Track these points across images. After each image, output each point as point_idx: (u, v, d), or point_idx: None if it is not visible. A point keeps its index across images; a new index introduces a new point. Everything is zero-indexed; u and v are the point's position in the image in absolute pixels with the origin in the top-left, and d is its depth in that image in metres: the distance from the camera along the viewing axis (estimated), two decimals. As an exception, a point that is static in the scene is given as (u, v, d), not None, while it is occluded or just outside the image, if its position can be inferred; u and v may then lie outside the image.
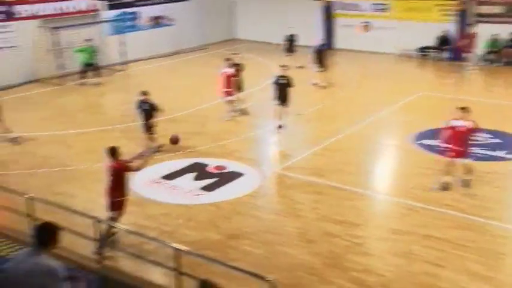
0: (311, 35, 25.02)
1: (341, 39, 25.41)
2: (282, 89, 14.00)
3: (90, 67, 19.28)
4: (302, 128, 15.00)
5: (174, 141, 12.70)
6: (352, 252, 8.61)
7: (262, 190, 11.09)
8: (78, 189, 10.88)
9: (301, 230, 9.34)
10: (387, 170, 12.51)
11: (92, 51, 19.17)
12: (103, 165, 11.64)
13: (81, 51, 19.00)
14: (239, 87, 15.62)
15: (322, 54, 18.84)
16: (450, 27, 22.29)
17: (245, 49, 25.87)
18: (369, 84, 19.24)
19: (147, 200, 10.47)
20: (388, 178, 12.03)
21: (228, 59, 15.43)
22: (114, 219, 8.45)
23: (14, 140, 13.34)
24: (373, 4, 24.35)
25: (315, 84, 18.47)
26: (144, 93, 12.54)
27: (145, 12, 24.06)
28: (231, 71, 15.13)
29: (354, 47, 24.70)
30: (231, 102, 15.34)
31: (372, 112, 15.69)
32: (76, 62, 19.62)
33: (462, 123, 10.27)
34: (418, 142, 13.29)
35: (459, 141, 10.36)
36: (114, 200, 8.47)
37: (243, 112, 15.66)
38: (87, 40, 19.19)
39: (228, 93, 15.13)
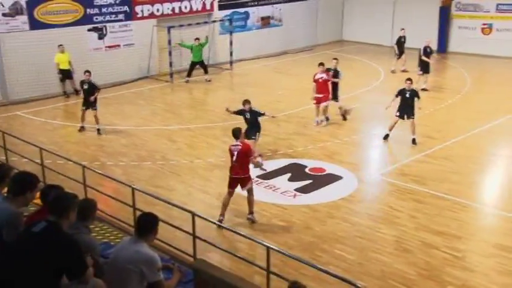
0: (422, 37, 24.19)
1: (458, 42, 24.07)
2: (407, 101, 13.37)
3: (199, 64, 19.97)
4: (406, 133, 14.41)
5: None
6: (451, 265, 8.14)
7: (360, 195, 10.83)
8: (178, 183, 11.32)
9: (397, 238, 8.99)
10: (496, 181, 11.68)
11: (199, 49, 19.83)
12: (203, 161, 12.12)
13: (190, 48, 19.75)
14: (332, 94, 14.85)
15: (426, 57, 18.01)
16: None
17: (352, 51, 25.46)
18: (484, 90, 18.08)
19: (243, 197, 10.61)
20: (497, 190, 11.22)
21: (321, 64, 14.88)
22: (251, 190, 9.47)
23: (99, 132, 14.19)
24: (498, 4, 22.73)
25: (423, 90, 17.68)
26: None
27: (255, 12, 24.49)
28: (324, 76, 14.57)
29: (472, 51, 23.29)
30: (323, 108, 14.72)
31: (486, 120, 14.72)
32: (186, 60, 20.48)
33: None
34: (536, 154, 12.25)
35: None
36: (245, 177, 9.41)
37: (327, 119, 14.85)
38: (196, 39, 19.91)
39: (320, 100, 14.55)
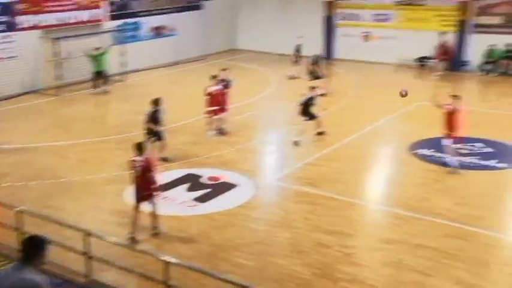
0: (313, 45, 25.28)
1: (341, 49, 25.45)
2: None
3: (100, 75, 19.52)
4: (298, 138, 14.99)
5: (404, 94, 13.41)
6: (342, 262, 8.61)
7: (256, 201, 11.09)
8: (69, 201, 10.90)
9: (292, 241, 9.34)
10: (381, 179, 12.51)
11: (101, 58, 19.44)
12: (95, 176, 11.78)
13: (92, 58, 19.27)
14: (224, 105, 14.83)
15: (317, 65, 18.94)
16: (450, 37, 22.31)
17: (245, 59, 26.02)
18: (367, 94, 19.26)
19: (139, 211, 10.48)
20: (382, 188, 12.02)
21: (214, 76, 14.87)
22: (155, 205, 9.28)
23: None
24: (375, 14, 24.36)
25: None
26: None
27: (148, 22, 24.23)
28: (218, 88, 14.63)
29: (355, 57, 24.74)
30: (217, 120, 14.80)
31: (369, 122, 15.70)
32: (74, 72, 19.83)
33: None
34: (414, 152, 13.29)
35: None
36: (145, 194, 9.15)
37: (222, 132, 14.87)
38: (96, 48, 19.53)
39: (214, 112, 14.58)
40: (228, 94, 15.04)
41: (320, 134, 14.55)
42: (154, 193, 9.30)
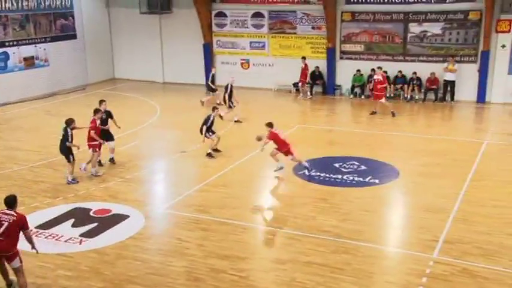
0: (194, 73, 25.61)
1: (222, 76, 25.99)
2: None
3: None
4: (186, 165, 15.07)
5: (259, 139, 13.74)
6: (238, 286, 8.76)
7: (148, 231, 10.92)
8: None
9: (188, 269, 9.32)
10: (269, 201, 12.94)
11: None
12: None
13: None
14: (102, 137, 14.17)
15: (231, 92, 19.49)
16: (321, 63, 23.83)
17: (126, 88, 25.62)
18: (250, 119, 19.85)
19: (20, 252, 9.84)
20: (271, 209, 12.42)
21: (97, 110, 14.00)
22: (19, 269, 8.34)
23: None
24: (251, 42, 25.31)
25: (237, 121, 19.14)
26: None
27: (16, 52, 22.94)
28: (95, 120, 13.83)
29: (235, 84, 25.33)
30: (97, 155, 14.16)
31: (253, 146, 16.15)
32: None
33: None
34: (298, 173, 13.93)
35: None
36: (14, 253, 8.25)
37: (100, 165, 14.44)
38: None
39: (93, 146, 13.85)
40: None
41: (215, 151, 15.36)
42: (18, 254, 8.29)
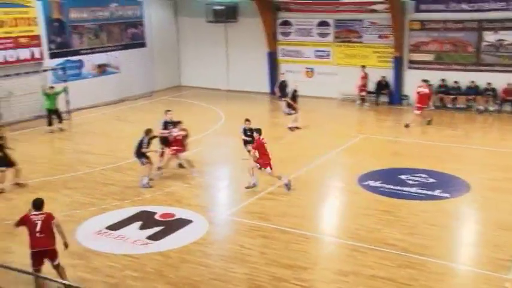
0: (258, 82, 25.77)
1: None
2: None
3: (53, 113, 19.21)
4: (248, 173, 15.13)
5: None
6: (300, 296, 8.68)
7: (211, 237, 11.04)
8: (15, 244, 10.43)
9: (249, 276, 9.32)
10: (333, 211, 12.76)
11: (54, 97, 19.23)
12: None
13: (46, 96, 19.08)
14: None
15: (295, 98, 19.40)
16: (387, 73, 23.37)
17: (191, 96, 26.15)
18: (313, 128, 19.74)
19: (91, 251, 10.22)
20: (334, 220, 12.27)
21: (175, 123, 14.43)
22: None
23: None
24: (316, 51, 25.22)
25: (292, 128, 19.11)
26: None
27: (90, 60, 23.97)
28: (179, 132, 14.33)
29: (299, 92, 25.30)
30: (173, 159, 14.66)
31: (317, 155, 16.06)
32: (14, 111, 19.49)
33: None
34: (362, 183, 13.67)
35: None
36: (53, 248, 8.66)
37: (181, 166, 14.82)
38: (50, 87, 19.55)
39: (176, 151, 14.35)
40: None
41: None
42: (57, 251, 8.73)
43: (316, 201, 13.03)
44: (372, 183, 13.59)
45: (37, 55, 21.45)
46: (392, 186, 13.37)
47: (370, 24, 23.65)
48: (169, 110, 15.16)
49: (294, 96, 19.48)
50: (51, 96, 19.22)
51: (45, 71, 21.22)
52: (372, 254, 9.99)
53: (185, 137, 14.48)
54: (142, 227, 11.29)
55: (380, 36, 23.54)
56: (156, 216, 11.83)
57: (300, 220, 11.62)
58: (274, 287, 8.95)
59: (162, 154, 14.56)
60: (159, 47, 27.32)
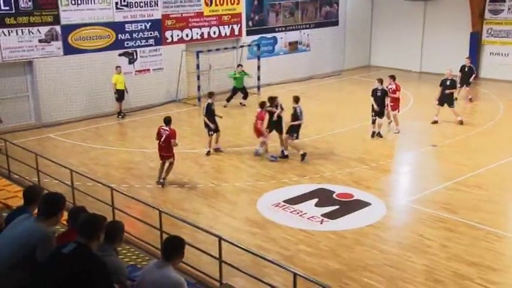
0: (456, 64, 23.88)
1: (489, 68, 23.74)
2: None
3: (240, 91, 20.23)
4: (435, 160, 14.19)
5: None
6: (485, 298, 7.87)
7: (388, 222, 10.62)
8: (204, 206, 11.29)
9: (428, 268, 8.74)
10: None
11: (242, 76, 20.23)
12: (229, 185, 12.08)
13: (234, 77, 20.17)
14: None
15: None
16: None
17: (380, 76, 25.25)
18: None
19: (270, 222, 10.55)
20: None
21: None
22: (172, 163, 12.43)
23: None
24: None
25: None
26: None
27: (283, 37, 24.66)
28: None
29: (504, 77, 22.94)
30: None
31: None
32: (212, 84, 20.87)
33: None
34: None
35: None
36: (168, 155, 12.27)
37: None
38: (239, 65, 20.50)
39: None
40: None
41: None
42: (173, 156, 12.34)
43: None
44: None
45: (236, 32, 22.74)
46: None
47: None
48: (275, 97, 14.59)
49: (446, 85, 16.98)
50: (239, 75, 20.14)
51: (241, 47, 22.41)
52: None
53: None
54: (318, 204, 11.29)
55: None
56: (334, 195, 11.74)
57: (492, 216, 10.54)
58: (455, 283, 8.26)
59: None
60: (352, 26, 26.92)
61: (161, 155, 12.33)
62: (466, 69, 19.69)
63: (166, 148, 12.13)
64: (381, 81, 15.65)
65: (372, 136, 15.60)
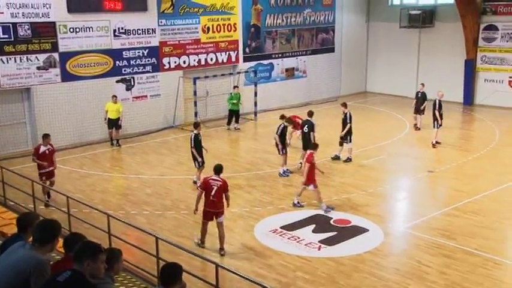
0: (452, 91, 24.08)
1: (484, 95, 23.95)
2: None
3: (235, 114, 20.47)
4: (432, 186, 14.20)
5: None
6: (484, 326, 7.78)
7: (386, 248, 10.57)
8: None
9: (427, 296, 8.68)
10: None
11: (238, 98, 20.50)
12: (226, 211, 12.03)
13: (230, 99, 20.40)
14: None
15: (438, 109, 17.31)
16: None
17: (376, 102, 25.55)
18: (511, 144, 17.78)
19: (267, 248, 10.49)
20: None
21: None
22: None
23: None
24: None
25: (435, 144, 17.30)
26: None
27: (280, 64, 24.87)
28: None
29: (499, 103, 23.14)
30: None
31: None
32: (209, 109, 21.00)
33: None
34: None
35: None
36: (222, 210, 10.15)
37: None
38: (235, 87, 20.85)
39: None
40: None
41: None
42: (223, 212, 10.26)
43: (509, 224, 11.65)
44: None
45: (233, 58, 22.93)
46: None
47: None
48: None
49: (440, 107, 17.28)
50: (235, 96, 20.34)
51: (238, 73, 22.58)
52: None
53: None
54: (315, 230, 11.25)
55: None
56: (332, 221, 11.70)
57: (490, 243, 10.50)
58: (454, 311, 8.19)
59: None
60: (348, 53, 27.21)
61: (209, 212, 10.05)
62: (420, 95, 19.67)
63: (217, 203, 10.02)
64: (344, 105, 16.27)
65: (333, 159, 15.98)
